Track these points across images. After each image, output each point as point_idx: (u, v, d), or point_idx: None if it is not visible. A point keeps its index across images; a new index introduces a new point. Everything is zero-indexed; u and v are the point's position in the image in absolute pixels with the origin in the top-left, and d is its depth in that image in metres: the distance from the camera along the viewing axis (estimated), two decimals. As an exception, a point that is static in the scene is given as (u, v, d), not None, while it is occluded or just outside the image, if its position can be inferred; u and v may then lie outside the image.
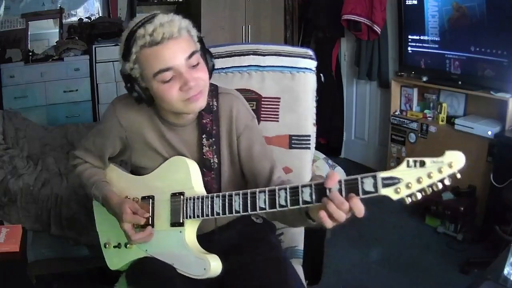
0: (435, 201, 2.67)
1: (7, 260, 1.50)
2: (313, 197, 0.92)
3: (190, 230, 1.14)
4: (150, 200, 1.20)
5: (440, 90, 2.93)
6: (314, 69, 1.60)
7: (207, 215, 1.09)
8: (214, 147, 1.20)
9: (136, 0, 4.01)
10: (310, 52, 1.59)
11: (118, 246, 1.28)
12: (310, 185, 0.92)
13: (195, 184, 1.15)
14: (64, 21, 3.86)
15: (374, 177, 0.84)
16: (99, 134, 1.27)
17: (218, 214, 1.07)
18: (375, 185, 0.85)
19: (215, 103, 1.21)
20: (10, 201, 2.14)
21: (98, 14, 4.02)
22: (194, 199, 1.12)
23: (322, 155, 2.74)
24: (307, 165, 1.54)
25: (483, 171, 2.60)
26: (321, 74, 3.80)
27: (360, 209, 0.87)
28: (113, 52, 3.66)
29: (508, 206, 2.26)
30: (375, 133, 3.60)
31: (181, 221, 1.13)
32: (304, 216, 1.01)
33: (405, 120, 3.08)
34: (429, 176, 0.82)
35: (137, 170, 1.28)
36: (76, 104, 3.69)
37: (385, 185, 0.84)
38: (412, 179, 0.83)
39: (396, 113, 3.17)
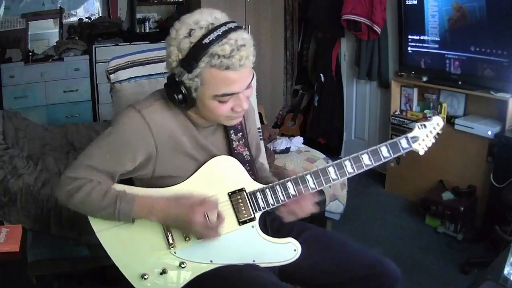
0: (435, 201, 2.67)
1: (7, 260, 1.50)
2: (372, 161, 1.20)
3: (257, 222, 1.18)
4: None
5: (440, 90, 2.92)
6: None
7: (283, 200, 1.18)
8: (243, 140, 1.25)
9: (136, 0, 4.01)
10: None
11: (164, 271, 1.15)
12: (367, 152, 1.20)
13: (250, 178, 1.20)
14: (64, 21, 3.87)
15: (406, 138, 1.22)
16: (116, 147, 1.11)
17: (294, 196, 1.18)
18: (408, 143, 1.22)
19: None
20: (10, 201, 2.13)
21: (98, 14, 4.03)
22: (262, 191, 1.18)
23: (322, 155, 2.74)
24: (264, 155, 1.70)
25: (483, 171, 2.60)
26: (321, 74, 3.80)
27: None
28: (113, 52, 3.66)
29: (508, 206, 2.26)
30: (375, 133, 3.60)
31: (253, 216, 1.17)
32: None
33: (405, 120, 3.08)
34: (430, 132, 1.24)
35: (158, 183, 1.17)
36: (76, 104, 3.69)
37: (413, 142, 1.22)
38: (423, 135, 1.24)
39: (396, 113, 3.17)
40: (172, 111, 1.14)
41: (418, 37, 2.96)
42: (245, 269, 1.15)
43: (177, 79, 1.05)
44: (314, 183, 1.18)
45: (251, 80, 1.11)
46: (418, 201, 2.85)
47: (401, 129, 3.10)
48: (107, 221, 1.15)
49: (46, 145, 2.68)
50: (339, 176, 1.18)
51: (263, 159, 1.63)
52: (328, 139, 3.86)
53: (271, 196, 1.17)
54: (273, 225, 1.31)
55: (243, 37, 1.03)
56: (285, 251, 1.18)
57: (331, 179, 1.18)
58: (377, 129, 3.57)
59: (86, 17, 3.93)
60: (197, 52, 1.00)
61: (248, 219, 1.16)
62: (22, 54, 3.60)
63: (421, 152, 1.24)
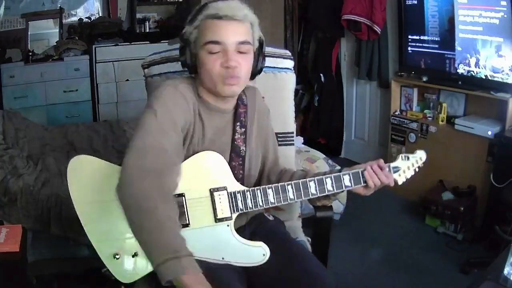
0: (435, 201, 2.67)
1: (7, 260, 1.51)
2: (352, 182, 1.24)
3: (233, 222, 1.20)
4: (183, 198, 1.17)
5: (440, 90, 2.92)
6: (293, 68, 1.68)
7: (261, 206, 1.20)
8: (244, 136, 1.28)
9: (136, 0, 4.01)
10: (288, 52, 1.68)
11: (136, 254, 1.12)
12: (349, 173, 1.23)
13: (234, 178, 1.22)
14: (64, 21, 3.86)
15: (389, 167, 1.26)
16: (165, 119, 1.10)
17: (272, 203, 1.20)
18: (389, 171, 1.26)
19: (244, 96, 1.30)
20: (10, 201, 2.14)
21: (98, 14, 4.03)
22: (243, 193, 1.20)
23: (322, 155, 2.74)
24: (292, 160, 1.65)
25: (483, 171, 2.60)
26: (321, 74, 3.80)
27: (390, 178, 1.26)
28: (113, 52, 3.68)
29: (508, 206, 2.26)
30: (375, 133, 3.60)
31: (229, 215, 1.18)
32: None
33: (405, 120, 3.08)
34: (412, 165, 1.31)
35: None
36: (76, 104, 3.69)
37: (394, 172, 1.27)
38: (405, 167, 1.30)
39: (396, 113, 3.17)
40: (192, 90, 1.21)
41: (418, 37, 2.96)
42: (211, 267, 1.12)
43: (183, 36, 1.19)
44: (293, 195, 1.21)
45: (251, 48, 1.20)
46: (418, 201, 2.85)
47: (401, 129, 3.11)
48: (90, 193, 1.13)
49: (46, 145, 2.69)
50: (318, 192, 1.22)
51: (290, 164, 1.57)
52: (328, 139, 3.86)
53: (251, 199, 1.20)
54: (250, 227, 1.32)
55: (241, 5, 1.16)
56: (255, 253, 1.20)
57: (310, 194, 1.22)
58: (377, 129, 3.57)
59: (86, 17, 3.93)
60: (199, 9, 1.17)
61: (225, 218, 1.18)
62: (22, 54, 3.60)
63: (400, 182, 1.28)
